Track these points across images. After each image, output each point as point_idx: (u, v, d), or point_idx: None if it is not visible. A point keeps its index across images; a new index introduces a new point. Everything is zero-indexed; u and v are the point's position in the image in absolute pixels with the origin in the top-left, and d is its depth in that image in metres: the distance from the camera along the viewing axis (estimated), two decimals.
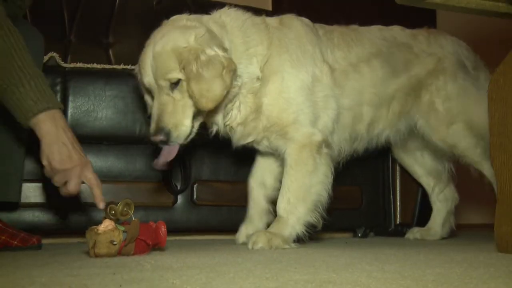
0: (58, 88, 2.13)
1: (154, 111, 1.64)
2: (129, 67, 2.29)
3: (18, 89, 1.43)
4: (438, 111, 2.10)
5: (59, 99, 2.10)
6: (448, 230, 2.33)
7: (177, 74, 1.61)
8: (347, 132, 1.99)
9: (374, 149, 2.20)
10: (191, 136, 1.71)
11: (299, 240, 1.76)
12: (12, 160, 1.81)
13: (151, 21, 3.14)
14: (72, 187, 1.49)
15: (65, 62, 2.33)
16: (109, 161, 2.25)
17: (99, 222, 1.46)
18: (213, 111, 1.71)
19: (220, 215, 2.33)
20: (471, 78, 2.15)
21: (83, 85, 2.16)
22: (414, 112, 2.14)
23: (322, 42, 1.91)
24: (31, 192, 2.13)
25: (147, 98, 1.81)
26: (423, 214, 2.47)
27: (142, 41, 3.06)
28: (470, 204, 3.93)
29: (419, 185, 2.42)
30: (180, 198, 2.32)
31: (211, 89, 1.59)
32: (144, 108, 2.19)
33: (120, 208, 1.46)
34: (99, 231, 1.42)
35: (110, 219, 1.46)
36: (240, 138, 1.86)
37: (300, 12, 4.08)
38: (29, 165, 2.13)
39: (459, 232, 2.94)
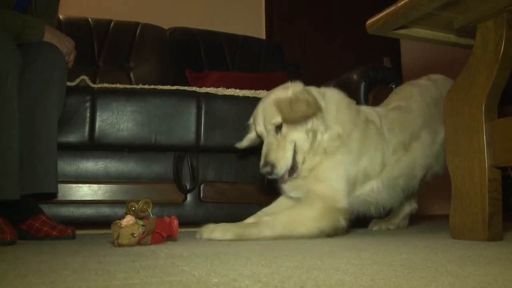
0: (87, 104, 2.13)
1: (264, 150, 1.71)
2: (146, 86, 2.30)
3: (25, 29, 1.84)
4: None
5: (88, 114, 2.11)
6: (403, 225, 2.36)
7: (277, 119, 1.68)
8: (399, 188, 1.93)
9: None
10: (296, 174, 1.70)
11: None
12: (50, 158, 1.80)
13: (165, 48, 3.19)
14: (72, 58, 2.01)
15: (94, 83, 2.33)
16: (129, 166, 2.25)
17: (122, 218, 1.45)
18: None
19: (223, 210, 2.33)
20: None
21: (108, 102, 2.16)
22: None
23: (385, 141, 1.86)
24: (66, 191, 2.12)
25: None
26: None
27: (158, 65, 3.10)
28: (432, 198, 3.94)
29: None
30: (189, 197, 2.31)
31: (297, 109, 1.64)
32: (158, 121, 2.19)
33: (140, 205, 1.45)
34: (122, 225, 1.41)
35: (131, 215, 1.45)
36: (293, 187, 1.77)
37: (288, 41, 4.09)
38: (63, 169, 2.13)
39: (422, 221, 2.94)
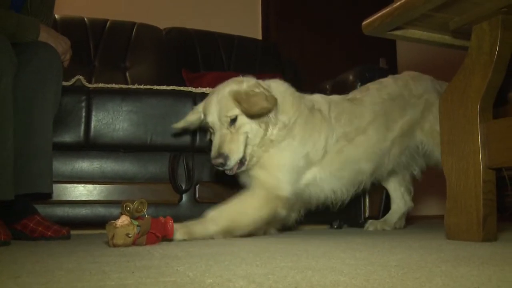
0: (83, 104, 2.12)
1: (216, 141, 1.73)
2: (142, 86, 2.29)
3: (20, 29, 1.83)
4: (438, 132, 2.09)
5: (83, 114, 2.11)
6: (400, 225, 2.37)
7: (235, 111, 1.72)
8: (346, 180, 1.95)
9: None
10: (243, 167, 1.75)
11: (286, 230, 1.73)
12: (45, 158, 1.80)
13: (161, 49, 3.19)
14: (68, 57, 2.01)
15: (90, 83, 2.32)
16: (125, 166, 2.24)
17: (117, 218, 1.45)
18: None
19: None
20: None
21: (104, 102, 2.15)
22: (413, 143, 2.12)
23: (330, 128, 1.90)
24: (61, 191, 2.12)
25: (210, 130, 1.86)
26: (386, 209, 2.48)
27: (154, 65, 3.09)
28: (427, 198, 3.95)
29: (383, 187, 2.43)
30: (184, 197, 2.31)
31: (257, 102, 1.68)
32: (154, 121, 2.19)
33: (135, 206, 1.45)
34: (117, 225, 1.41)
35: (126, 215, 1.44)
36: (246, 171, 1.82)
37: (284, 40, 4.10)
38: (58, 169, 2.13)
39: (417, 222, 2.95)
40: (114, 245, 1.40)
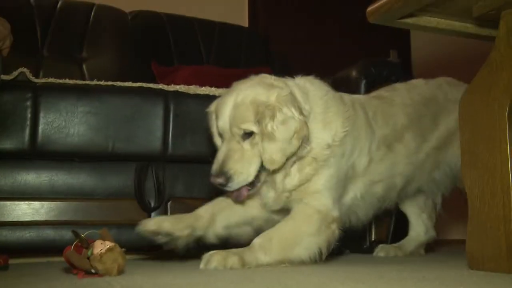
0: (28, 103, 2.10)
1: (220, 154, 1.68)
2: (102, 83, 2.28)
3: None
4: None
5: (29, 115, 2.09)
6: (418, 254, 2.39)
7: (251, 126, 1.66)
8: (375, 199, 2.00)
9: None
10: (254, 190, 1.74)
11: None
12: None
13: (126, 36, 3.18)
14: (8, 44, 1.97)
15: (37, 77, 2.31)
16: (81, 178, 2.23)
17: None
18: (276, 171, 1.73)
19: None
20: None
21: (55, 101, 2.14)
22: (447, 159, 2.16)
23: (372, 131, 1.94)
24: None
25: (217, 139, 1.83)
26: (397, 232, 2.49)
27: (117, 56, 3.08)
28: (448, 220, 3.97)
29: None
30: (153, 216, 2.29)
31: (279, 153, 1.65)
32: (116, 125, 2.18)
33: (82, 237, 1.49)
34: (103, 251, 1.43)
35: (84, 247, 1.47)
36: (275, 201, 1.81)
37: (275, 28, 4.12)
38: None
39: (436, 247, 2.97)
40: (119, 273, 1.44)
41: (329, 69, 2.89)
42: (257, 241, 1.68)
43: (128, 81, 2.36)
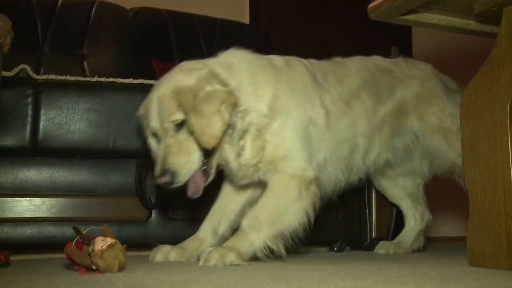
0: (29, 100, 2.10)
1: (160, 154, 1.66)
2: (103, 79, 2.28)
3: None
4: (452, 130, 2.17)
5: (30, 112, 2.09)
6: (418, 246, 2.41)
7: (179, 115, 1.63)
8: (343, 163, 2.01)
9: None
10: (211, 178, 1.73)
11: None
12: None
13: (127, 33, 3.18)
14: (9, 41, 1.96)
15: (38, 74, 2.31)
16: (82, 175, 2.23)
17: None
18: (219, 148, 1.71)
19: (195, 229, 2.31)
20: (457, 97, 2.19)
21: (56, 98, 2.14)
22: (408, 130, 2.21)
23: (321, 86, 1.95)
24: (0, 206, 2.09)
25: (151, 141, 1.80)
26: (398, 228, 2.49)
27: (118, 53, 3.08)
28: (448, 217, 3.97)
29: (392, 203, 2.46)
30: (154, 213, 2.30)
31: (210, 125, 1.61)
32: (117, 121, 2.18)
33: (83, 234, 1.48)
34: (112, 246, 1.43)
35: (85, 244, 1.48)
36: (243, 177, 1.83)
37: (276, 25, 4.11)
38: None
39: (435, 244, 2.97)
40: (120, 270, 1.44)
41: None
42: (245, 222, 1.70)
43: (129, 78, 2.36)
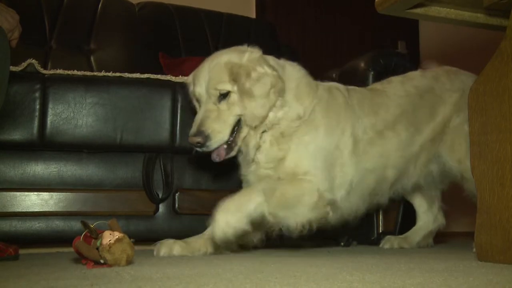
0: (37, 94, 2.11)
1: (198, 116, 1.77)
2: (110, 74, 2.29)
3: None
4: None
5: (38, 106, 2.10)
6: (425, 245, 2.39)
7: (227, 86, 1.75)
8: (367, 192, 2.00)
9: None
10: (232, 153, 1.80)
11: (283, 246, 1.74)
12: None
13: (133, 28, 3.18)
14: (17, 35, 2.00)
15: (45, 68, 2.31)
16: (89, 170, 2.24)
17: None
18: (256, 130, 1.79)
19: (202, 224, 2.31)
20: None
21: (63, 92, 2.14)
22: (441, 152, 2.15)
23: (355, 115, 1.95)
24: (9, 200, 2.11)
25: (196, 105, 1.90)
26: (405, 223, 2.49)
27: (125, 47, 3.08)
28: (456, 212, 3.96)
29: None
30: (161, 207, 2.31)
31: (258, 106, 1.73)
32: (124, 116, 2.18)
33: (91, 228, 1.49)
34: (120, 240, 1.45)
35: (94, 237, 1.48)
36: (256, 171, 1.86)
37: (282, 20, 4.11)
38: (5, 174, 2.12)
39: (444, 239, 2.97)
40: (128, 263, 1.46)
41: (337, 60, 2.89)
42: (261, 185, 1.74)
43: (136, 72, 2.36)
